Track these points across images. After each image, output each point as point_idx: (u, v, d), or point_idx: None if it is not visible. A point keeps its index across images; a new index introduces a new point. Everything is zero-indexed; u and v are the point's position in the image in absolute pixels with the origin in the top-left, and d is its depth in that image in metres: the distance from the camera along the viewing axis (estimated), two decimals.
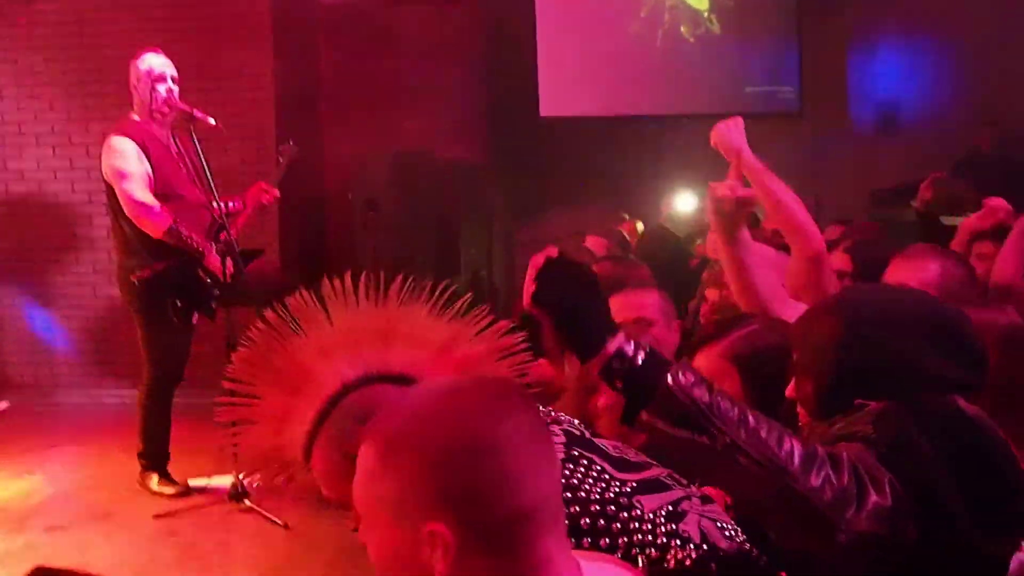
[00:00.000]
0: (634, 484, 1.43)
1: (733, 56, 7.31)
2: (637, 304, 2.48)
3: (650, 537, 1.37)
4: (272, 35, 6.12)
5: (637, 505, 1.40)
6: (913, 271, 2.57)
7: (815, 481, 1.31)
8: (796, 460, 1.31)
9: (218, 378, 1.49)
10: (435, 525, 1.03)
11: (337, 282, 1.42)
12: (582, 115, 7.42)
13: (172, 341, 4.14)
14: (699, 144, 2.79)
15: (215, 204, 4.03)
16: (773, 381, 1.77)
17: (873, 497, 1.32)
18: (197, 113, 4.02)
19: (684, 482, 1.52)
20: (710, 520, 1.44)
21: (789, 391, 1.66)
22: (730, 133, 2.41)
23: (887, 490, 1.34)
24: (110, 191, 4.04)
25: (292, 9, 6.42)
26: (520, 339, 1.46)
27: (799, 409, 1.66)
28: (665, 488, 1.47)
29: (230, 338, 3.94)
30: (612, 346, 1.33)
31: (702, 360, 1.97)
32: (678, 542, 1.38)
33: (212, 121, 4.06)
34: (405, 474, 1.05)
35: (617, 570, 1.21)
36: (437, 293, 1.45)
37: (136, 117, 4.12)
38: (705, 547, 1.39)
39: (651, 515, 1.39)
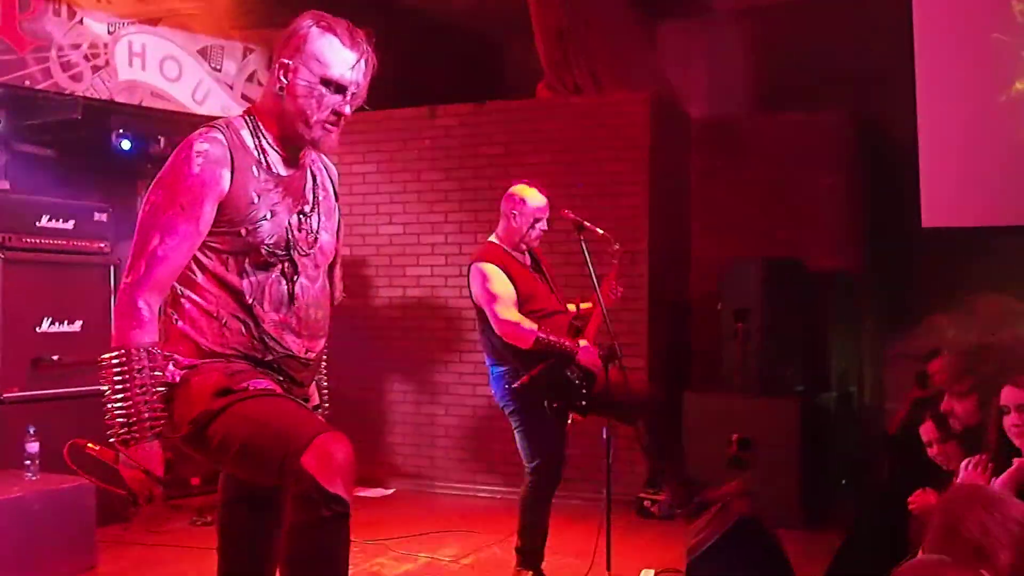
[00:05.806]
0: None
1: None
2: None
3: None
4: (648, 148, 6.34)
5: None
6: None
7: None
8: None
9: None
10: None
11: None
12: (967, 226, 6.86)
13: (550, 442, 4.25)
14: None
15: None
16: None
17: None
18: (587, 224, 4.23)
19: None
20: None
21: None
22: None
23: None
24: (479, 311, 4.30)
25: (665, 123, 6.62)
26: None
27: None
28: None
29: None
30: None
31: None
32: None
33: (600, 231, 4.25)
34: None
35: None
36: None
37: (496, 241, 4.34)
38: None
39: None
